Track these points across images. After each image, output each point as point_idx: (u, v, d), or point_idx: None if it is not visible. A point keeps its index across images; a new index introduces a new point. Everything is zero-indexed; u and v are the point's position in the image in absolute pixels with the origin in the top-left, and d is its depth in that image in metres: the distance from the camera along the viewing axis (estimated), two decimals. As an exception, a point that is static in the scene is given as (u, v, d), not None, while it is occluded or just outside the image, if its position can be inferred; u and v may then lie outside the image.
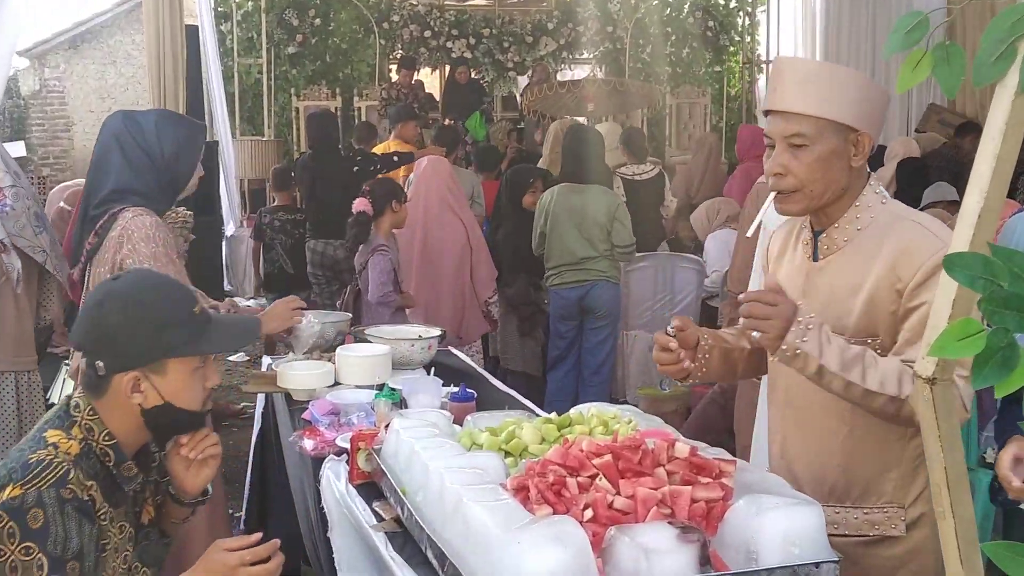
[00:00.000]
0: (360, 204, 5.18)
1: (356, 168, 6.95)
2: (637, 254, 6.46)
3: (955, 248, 1.21)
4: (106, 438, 2.04)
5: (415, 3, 13.21)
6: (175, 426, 2.14)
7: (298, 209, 7.78)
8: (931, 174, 6.21)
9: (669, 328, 2.25)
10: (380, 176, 6.40)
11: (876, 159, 6.78)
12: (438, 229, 5.55)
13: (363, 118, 12.26)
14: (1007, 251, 1.01)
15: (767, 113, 2.18)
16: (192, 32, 10.19)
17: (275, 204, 7.97)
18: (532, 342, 6.42)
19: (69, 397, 2.10)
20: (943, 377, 1.26)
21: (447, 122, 8.73)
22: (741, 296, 2.06)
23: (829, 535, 1.92)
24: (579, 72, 13.74)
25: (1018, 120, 1.22)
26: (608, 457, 1.96)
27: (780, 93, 2.11)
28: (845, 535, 2.15)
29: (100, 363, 2.03)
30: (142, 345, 2.02)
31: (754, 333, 2.03)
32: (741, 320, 2.09)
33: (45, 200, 8.10)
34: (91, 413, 2.04)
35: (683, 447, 2.02)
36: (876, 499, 2.16)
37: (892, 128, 10.72)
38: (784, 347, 1.98)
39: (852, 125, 2.08)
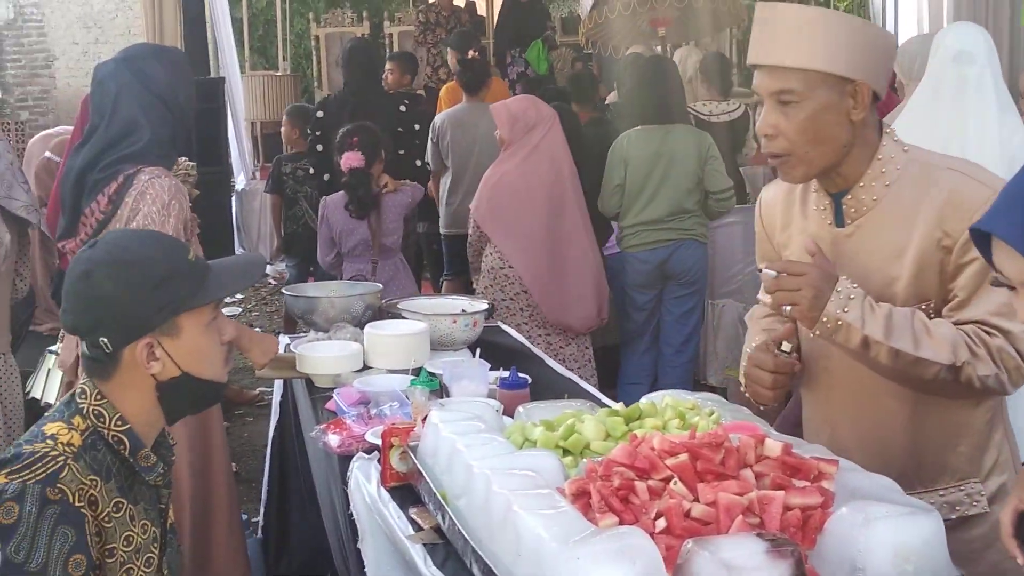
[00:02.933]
0: (353, 159, 5.35)
1: (404, 108, 6.95)
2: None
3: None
4: (118, 423, 2.12)
5: (458, -95, 13.14)
6: (194, 400, 2.24)
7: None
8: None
9: (780, 349, 2.31)
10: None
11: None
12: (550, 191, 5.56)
13: (396, 46, 12.31)
14: None
15: (753, 67, 2.26)
16: (193, -53, 10.30)
17: (294, 151, 7.91)
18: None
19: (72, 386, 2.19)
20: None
21: (471, 54, 8.64)
22: (763, 266, 2.18)
23: None
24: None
25: None
26: (684, 457, 1.97)
27: (764, 45, 2.20)
28: None
29: (104, 339, 2.10)
30: (147, 307, 2.09)
31: (786, 308, 2.13)
32: (762, 294, 2.19)
33: (24, 149, 8.29)
34: (99, 398, 2.12)
35: (774, 444, 2.03)
36: (950, 478, 2.28)
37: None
38: (825, 319, 2.10)
39: (847, 75, 2.16)
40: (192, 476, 3.71)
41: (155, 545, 2.17)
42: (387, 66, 8.92)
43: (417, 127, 7.12)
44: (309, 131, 7.06)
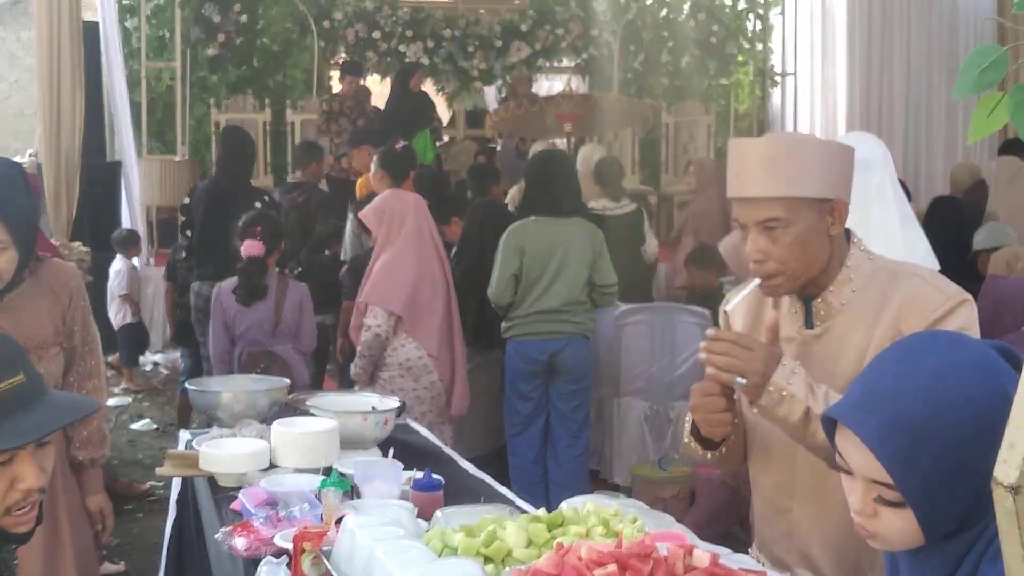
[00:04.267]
0: (253, 247, 5.38)
1: (259, 205, 6.88)
2: (631, 306, 6.49)
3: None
4: None
5: (361, -2, 13.29)
6: None
7: None
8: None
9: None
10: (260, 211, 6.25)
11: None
12: (427, 266, 5.58)
13: (298, 134, 12.30)
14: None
15: (732, 200, 2.37)
16: (91, 29, 10.24)
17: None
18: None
19: None
20: (1029, 485, 1.27)
21: (399, 144, 8.72)
22: (710, 333, 2.29)
23: None
24: (557, 84, 13.85)
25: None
26: (613, 567, 1.96)
27: (744, 179, 2.32)
28: None
29: None
30: None
31: (738, 379, 2.21)
32: (707, 370, 2.28)
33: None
34: None
35: (702, 555, 2.02)
36: None
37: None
38: (771, 388, 2.19)
39: (825, 196, 2.30)
40: None
41: None
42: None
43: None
44: (180, 216, 7.35)
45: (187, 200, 7.23)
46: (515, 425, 6.14)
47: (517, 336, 5.99)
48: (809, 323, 2.40)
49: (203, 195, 7.07)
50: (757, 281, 2.35)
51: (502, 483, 4.83)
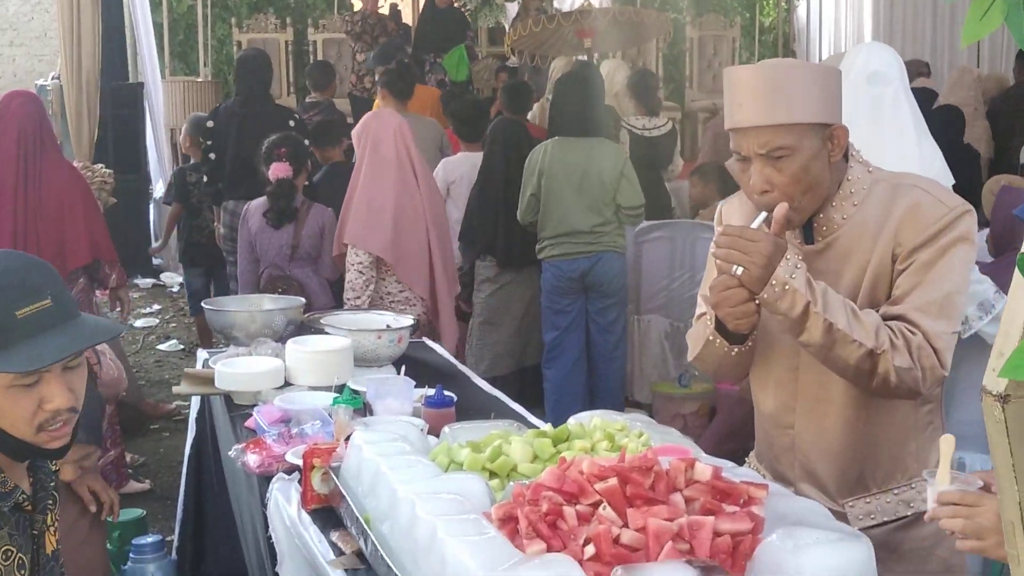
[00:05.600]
0: (281, 169, 5.36)
1: (292, 124, 6.89)
2: (650, 223, 6.46)
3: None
4: None
5: (383, -88, 13.12)
6: (9, 450, 2.09)
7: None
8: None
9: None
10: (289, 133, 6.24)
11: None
12: (407, 198, 5.38)
13: (320, 53, 12.22)
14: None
15: (732, 130, 2.33)
16: (110, -51, 10.14)
17: (195, 161, 7.88)
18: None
19: None
20: (1018, 394, 1.25)
21: (405, 61, 8.68)
22: (720, 229, 2.30)
23: (868, 527, 2.31)
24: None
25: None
26: (613, 481, 1.95)
27: (745, 108, 2.29)
28: (884, 523, 2.41)
29: None
30: None
31: (736, 269, 2.22)
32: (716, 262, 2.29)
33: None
34: None
35: (704, 468, 2.01)
36: (902, 476, 2.42)
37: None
38: (773, 282, 2.20)
39: (826, 121, 2.28)
40: None
41: (21, 571, 2.10)
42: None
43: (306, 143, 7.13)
44: (201, 140, 7.23)
45: (210, 124, 7.15)
46: (553, 338, 6.18)
47: (549, 257, 6.05)
48: (809, 238, 2.39)
49: (231, 118, 7.04)
50: (763, 216, 2.29)
51: (526, 402, 4.87)
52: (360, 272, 5.10)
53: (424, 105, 8.55)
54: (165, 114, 10.68)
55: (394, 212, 5.14)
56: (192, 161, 7.89)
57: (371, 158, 5.22)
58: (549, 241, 6.03)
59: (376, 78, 9.07)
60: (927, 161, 3.42)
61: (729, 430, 5.38)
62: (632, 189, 5.96)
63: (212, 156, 7.03)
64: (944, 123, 6.58)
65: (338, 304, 5.45)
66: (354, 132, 5.42)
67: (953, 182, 3.43)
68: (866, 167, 2.39)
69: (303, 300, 4.32)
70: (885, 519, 2.41)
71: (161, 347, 8.44)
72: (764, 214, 2.30)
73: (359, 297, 5.05)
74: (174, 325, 9.17)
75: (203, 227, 7.54)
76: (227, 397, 3.59)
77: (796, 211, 2.30)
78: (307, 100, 9.49)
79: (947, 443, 2.05)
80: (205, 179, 7.21)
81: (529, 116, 8.00)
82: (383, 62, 8.93)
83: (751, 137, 2.28)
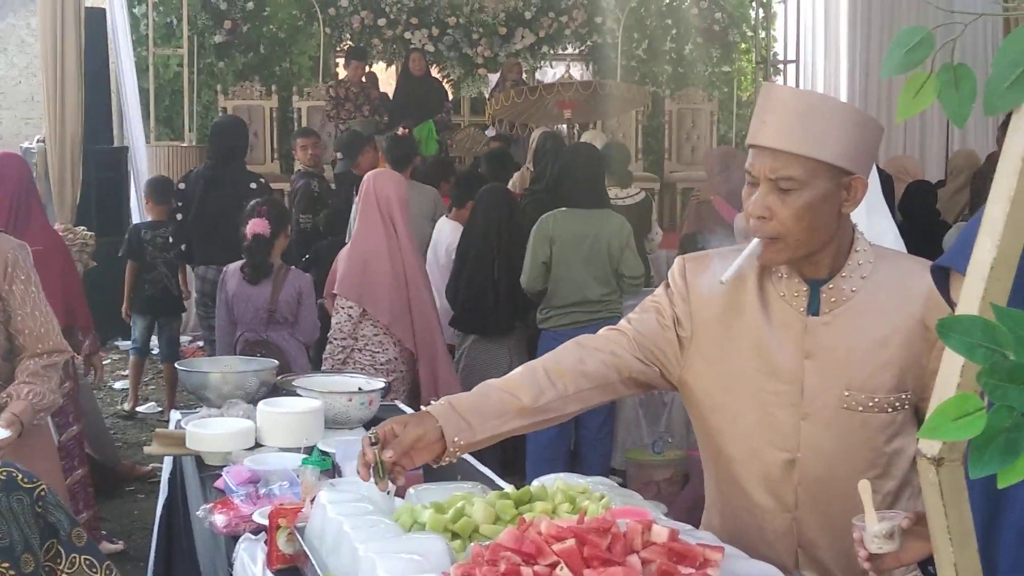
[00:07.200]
0: (258, 225, 5.43)
1: (254, 186, 7.01)
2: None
3: (964, 307, 1.24)
4: None
5: (367, -16, 13.31)
6: None
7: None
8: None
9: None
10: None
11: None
12: (392, 252, 5.53)
13: (304, 120, 12.33)
14: (1014, 314, 1.04)
15: (750, 146, 2.23)
16: (97, 16, 10.26)
17: (152, 220, 8.22)
18: None
19: None
20: (951, 457, 1.28)
21: (401, 131, 8.78)
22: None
23: None
24: (562, 71, 13.87)
25: (1038, 156, 1.25)
26: (571, 542, 1.97)
27: (769, 127, 2.17)
28: None
29: None
30: None
31: None
32: None
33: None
34: None
35: (661, 530, 2.03)
36: None
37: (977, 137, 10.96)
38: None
39: (847, 168, 2.16)
40: None
41: None
42: (298, 142, 8.93)
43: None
44: (173, 201, 7.51)
45: (182, 185, 7.42)
46: None
47: (556, 327, 6.05)
48: (814, 309, 2.26)
49: (198, 179, 7.24)
50: (755, 242, 2.19)
51: (507, 467, 4.89)
52: (349, 316, 5.32)
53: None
54: (150, 177, 10.74)
55: (378, 267, 5.34)
56: (148, 219, 8.18)
57: (360, 213, 5.47)
58: (557, 311, 6.07)
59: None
60: (879, 235, 3.46)
61: (702, 496, 5.38)
62: (635, 259, 6.10)
63: (179, 216, 7.26)
64: (918, 199, 6.80)
65: (316, 367, 5.51)
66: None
67: (905, 252, 3.53)
68: (866, 241, 2.30)
69: (276, 362, 4.34)
70: None
71: (139, 409, 8.40)
72: (756, 240, 2.19)
73: (344, 339, 5.27)
74: (152, 387, 9.13)
75: (157, 281, 7.91)
76: (198, 458, 3.58)
77: (791, 248, 2.19)
78: (296, 168, 9.59)
79: (865, 488, 1.99)
80: (170, 239, 7.48)
81: (510, 184, 8.09)
82: (346, 151, 8.93)
83: (765, 158, 2.17)
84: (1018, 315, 1.05)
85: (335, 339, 5.33)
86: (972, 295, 1.25)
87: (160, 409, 8.35)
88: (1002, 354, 1.02)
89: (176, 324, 8.29)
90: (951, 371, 1.26)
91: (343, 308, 5.33)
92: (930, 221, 6.88)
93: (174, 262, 7.86)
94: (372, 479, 2.28)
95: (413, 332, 5.46)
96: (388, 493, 2.67)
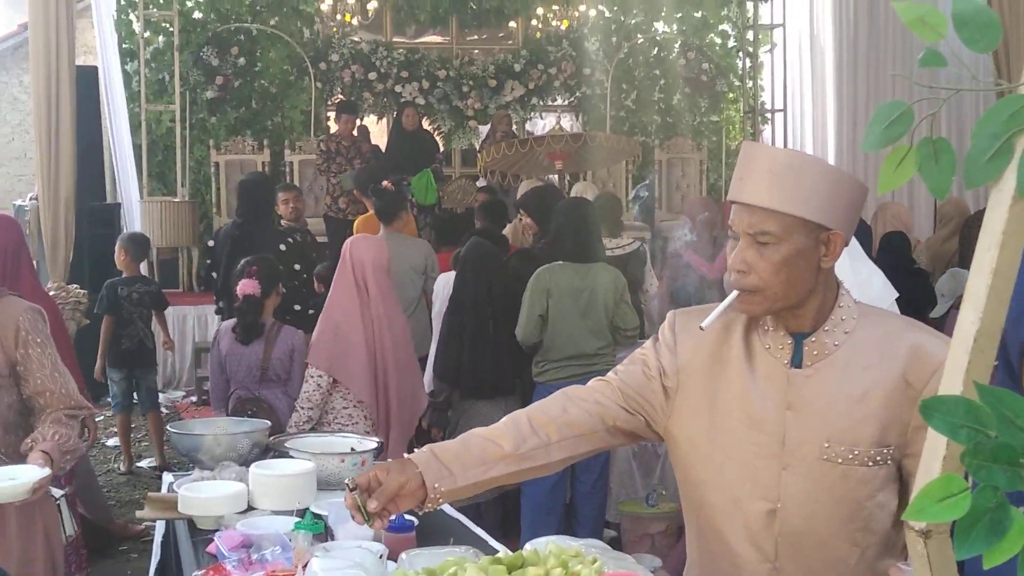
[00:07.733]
0: (248, 286, 5.45)
1: (283, 248, 7.04)
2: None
3: (948, 379, 1.24)
4: None
5: (357, 40, 13.41)
6: None
7: (154, 281, 8.65)
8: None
9: None
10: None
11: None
12: (397, 320, 5.50)
13: (296, 174, 12.39)
14: (997, 392, 1.04)
15: (731, 202, 2.28)
16: (90, 73, 10.33)
17: (126, 276, 8.19)
18: None
19: None
20: (939, 529, 1.28)
21: (385, 184, 8.84)
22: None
23: None
24: (552, 122, 13.96)
25: (1017, 228, 1.26)
26: (564, 609, 1.96)
27: (747, 184, 2.23)
28: None
29: None
30: None
31: None
32: None
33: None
34: None
35: (654, 596, 2.03)
36: None
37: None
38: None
39: (823, 224, 2.20)
40: None
41: None
42: (280, 196, 8.83)
43: (297, 267, 7.27)
44: (207, 260, 7.75)
45: (211, 243, 7.62)
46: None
47: (552, 380, 5.97)
48: (797, 361, 2.29)
49: (226, 239, 7.29)
50: (735, 295, 2.24)
51: (505, 529, 4.83)
52: (319, 386, 5.17)
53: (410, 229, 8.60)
54: (143, 232, 10.76)
55: (350, 335, 5.22)
56: (124, 275, 8.18)
57: (336, 278, 5.40)
58: (554, 364, 6.04)
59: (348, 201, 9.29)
60: (863, 285, 3.47)
61: (695, 550, 5.35)
62: (630, 311, 6.08)
63: (214, 275, 7.41)
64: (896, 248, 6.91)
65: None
66: None
67: (896, 295, 3.55)
68: (851, 298, 2.34)
69: (268, 423, 4.32)
70: None
71: (139, 464, 8.35)
72: (736, 292, 2.23)
73: (312, 409, 5.13)
74: (146, 444, 9.10)
75: (134, 336, 8.01)
76: (190, 521, 3.57)
77: (770, 300, 2.22)
78: (282, 224, 9.58)
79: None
80: (219, 304, 7.58)
81: (504, 231, 8.11)
82: (359, 186, 9.10)
83: (744, 214, 2.22)
84: (1001, 393, 1.05)
85: (302, 407, 5.14)
86: (956, 368, 1.25)
87: (156, 466, 8.30)
88: (985, 434, 1.02)
89: (152, 376, 8.38)
90: (935, 450, 1.26)
91: (312, 377, 5.19)
92: (905, 269, 6.95)
93: (149, 317, 8.06)
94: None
95: (387, 402, 5.33)
96: (380, 557, 2.66)
